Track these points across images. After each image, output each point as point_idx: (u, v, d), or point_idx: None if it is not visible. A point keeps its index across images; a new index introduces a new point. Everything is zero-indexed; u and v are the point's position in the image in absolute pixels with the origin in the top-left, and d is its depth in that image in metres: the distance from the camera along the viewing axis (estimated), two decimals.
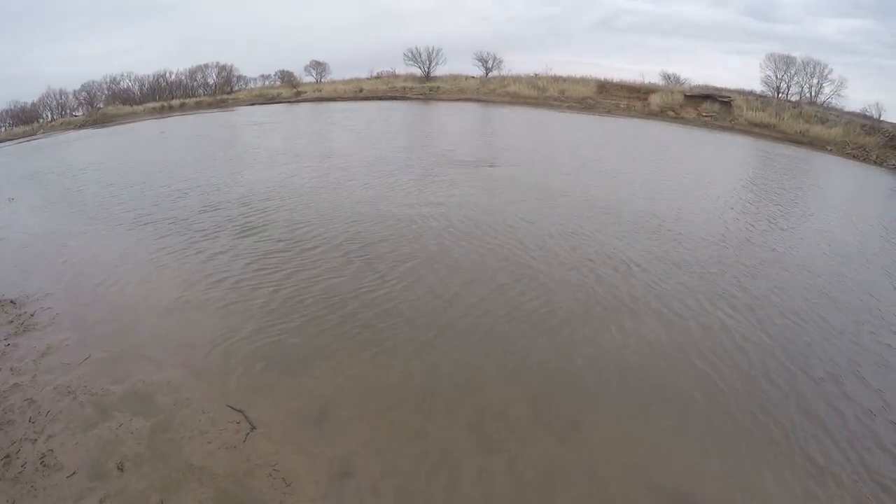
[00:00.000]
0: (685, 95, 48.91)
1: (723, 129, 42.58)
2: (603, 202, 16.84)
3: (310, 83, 70.79)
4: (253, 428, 6.38)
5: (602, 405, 7.12)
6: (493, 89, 57.69)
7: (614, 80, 55.20)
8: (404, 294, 10.14)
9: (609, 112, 48.05)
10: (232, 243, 13.14)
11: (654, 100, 49.26)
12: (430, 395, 7.17)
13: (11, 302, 10.61)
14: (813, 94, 50.32)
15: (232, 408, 6.76)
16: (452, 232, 13.59)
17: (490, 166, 21.81)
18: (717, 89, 49.43)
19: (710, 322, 9.41)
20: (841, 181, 27.37)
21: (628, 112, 48.24)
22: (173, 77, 73.50)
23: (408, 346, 8.34)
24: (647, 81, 54.80)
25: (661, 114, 47.19)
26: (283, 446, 6.15)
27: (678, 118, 46.02)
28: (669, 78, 56.95)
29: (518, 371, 7.79)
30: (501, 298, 10.01)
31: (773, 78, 51.82)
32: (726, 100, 46.67)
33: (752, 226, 15.61)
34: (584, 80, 55.68)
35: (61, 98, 72.52)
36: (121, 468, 5.93)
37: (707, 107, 46.71)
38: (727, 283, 11.14)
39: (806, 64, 50.55)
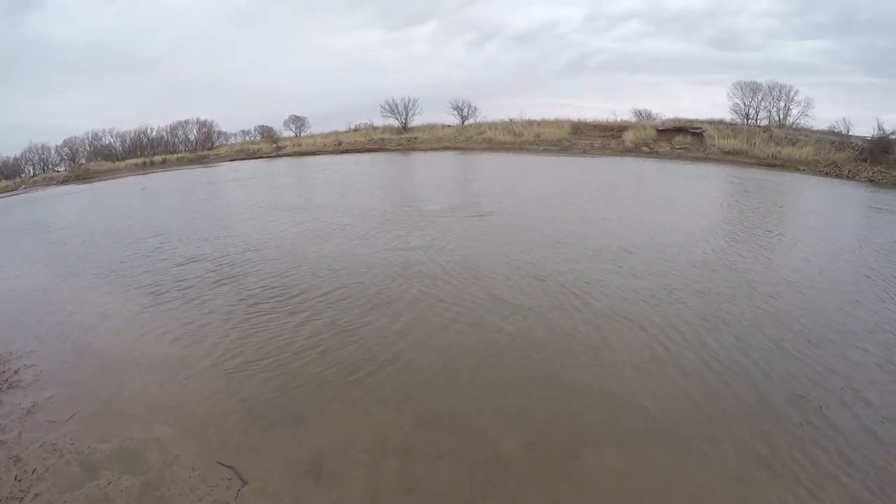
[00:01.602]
0: (657, 130, 50.20)
1: (696, 159, 43.60)
2: (575, 238, 17.17)
3: (289, 137, 71.89)
4: (244, 483, 6.36)
5: (598, 439, 7.16)
6: (469, 137, 58.82)
7: (588, 121, 56.90)
8: (391, 340, 10.22)
9: (584, 152, 49.13)
10: (213, 296, 13.24)
11: (628, 136, 50.54)
12: (424, 442, 7.18)
13: None
14: (781, 117, 51.86)
15: (222, 464, 6.73)
16: (433, 277, 13.78)
17: (466, 213, 22.02)
18: (688, 121, 50.71)
19: (692, 350, 9.47)
20: (811, 199, 27.91)
21: (603, 151, 49.35)
22: (154, 133, 74.14)
23: (398, 393, 8.38)
24: (619, 119, 56.46)
25: (636, 150, 48.29)
26: (277, 500, 6.13)
27: (652, 153, 47.09)
28: (641, 114, 58.68)
29: (511, 412, 7.83)
30: (489, 341, 10.11)
31: (742, 105, 53.51)
32: (698, 131, 47.93)
33: (721, 251, 15.79)
34: (558, 123, 57.04)
35: (43, 153, 72.80)
36: None
37: (680, 139, 47.93)
38: (699, 309, 11.26)
39: (772, 88, 52.28)
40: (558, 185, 30.52)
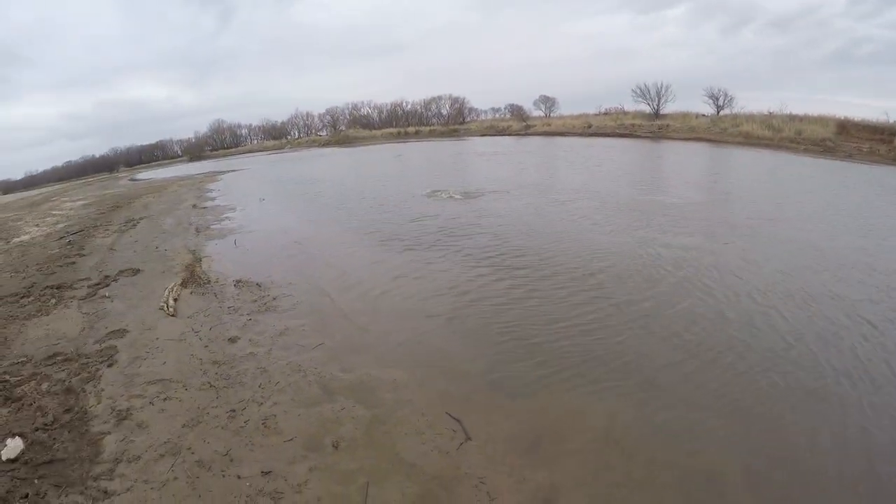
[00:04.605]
0: None
1: None
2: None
3: (538, 117, 72.58)
4: (468, 439, 6.27)
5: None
6: (724, 128, 53.41)
7: (856, 120, 47.40)
8: (636, 337, 9.10)
9: (850, 156, 40.67)
10: (467, 261, 13.35)
11: None
12: (641, 444, 6.37)
13: (257, 285, 11.83)
14: None
15: (451, 416, 6.73)
16: (695, 280, 11.71)
17: (725, 214, 19.65)
18: None
19: None
20: None
21: (871, 156, 40.52)
22: (409, 106, 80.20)
23: (633, 389, 7.48)
24: (892, 121, 46.29)
25: None
26: (494, 463, 5.91)
27: None
28: None
29: (740, 438, 6.75)
30: (740, 358, 8.37)
31: None
32: None
33: None
34: (821, 120, 48.72)
35: (307, 119, 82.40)
36: (336, 446, 6.19)
37: None
38: None
39: None
40: (836, 194, 26.12)
